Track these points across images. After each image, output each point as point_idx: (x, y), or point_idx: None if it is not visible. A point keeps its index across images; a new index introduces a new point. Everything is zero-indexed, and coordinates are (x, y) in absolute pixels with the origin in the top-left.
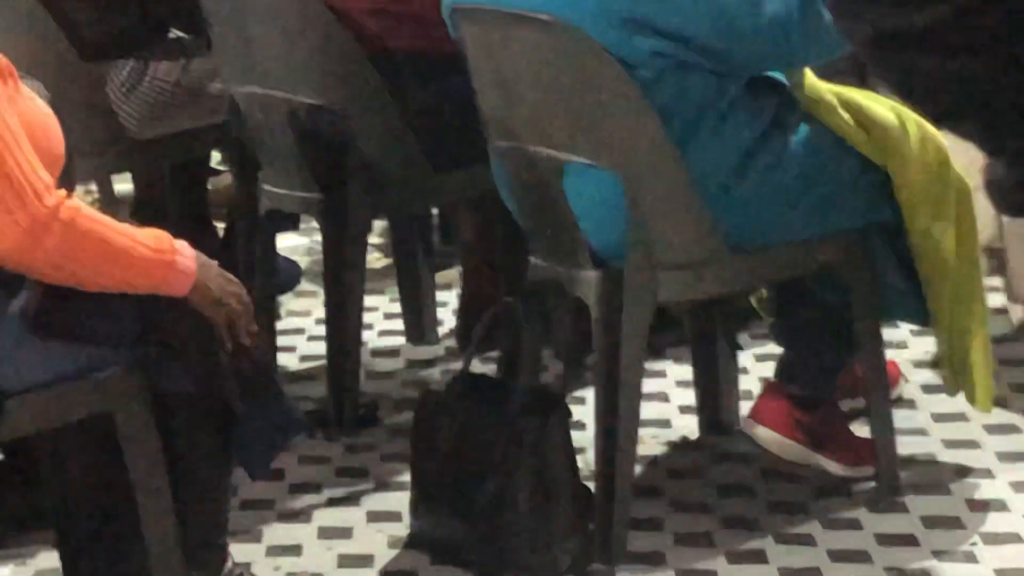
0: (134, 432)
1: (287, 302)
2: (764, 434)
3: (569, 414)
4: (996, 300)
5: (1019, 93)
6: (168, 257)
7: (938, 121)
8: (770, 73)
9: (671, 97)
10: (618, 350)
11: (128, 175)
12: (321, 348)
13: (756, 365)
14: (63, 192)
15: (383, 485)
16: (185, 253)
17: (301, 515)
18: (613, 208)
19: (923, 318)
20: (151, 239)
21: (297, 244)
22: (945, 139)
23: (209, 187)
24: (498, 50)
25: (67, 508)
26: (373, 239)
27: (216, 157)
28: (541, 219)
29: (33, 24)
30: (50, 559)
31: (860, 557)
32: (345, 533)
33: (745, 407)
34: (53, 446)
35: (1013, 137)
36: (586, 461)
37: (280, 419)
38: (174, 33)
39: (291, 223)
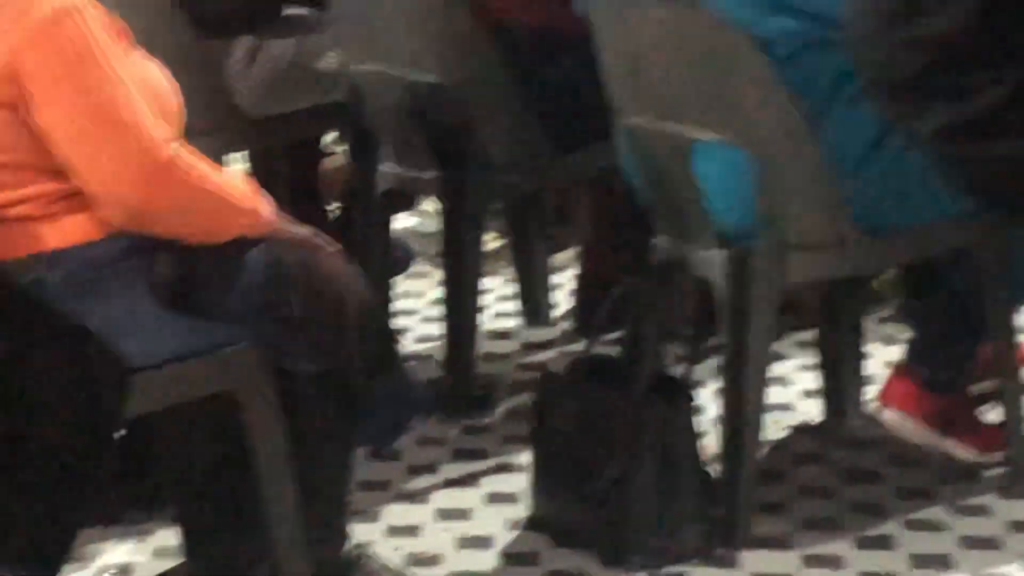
0: (258, 410)
1: (400, 284)
2: (892, 418)
3: (693, 397)
4: None
5: None
6: (255, 206)
7: (1009, 209)
8: None
9: (805, 76)
10: (744, 333)
11: (241, 154)
12: (435, 329)
13: (879, 348)
14: (178, 144)
15: (501, 467)
16: (265, 200)
17: (419, 496)
18: (742, 187)
19: None
20: (245, 190)
21: (410, 225)
22: None
23: (320, 168)
24: (628, 26)
25: (188, 487)
26: (488, 220)
27: (328, 138)
28: (667, 198)
29: (147, 0)
30: (170, 537)
31: (991, 544)
32: (464, 515)
33: (868, 391)
34: (176, 423)
35: None
36: (707, 445)
37: (405, 397)
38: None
39: (406, 204)
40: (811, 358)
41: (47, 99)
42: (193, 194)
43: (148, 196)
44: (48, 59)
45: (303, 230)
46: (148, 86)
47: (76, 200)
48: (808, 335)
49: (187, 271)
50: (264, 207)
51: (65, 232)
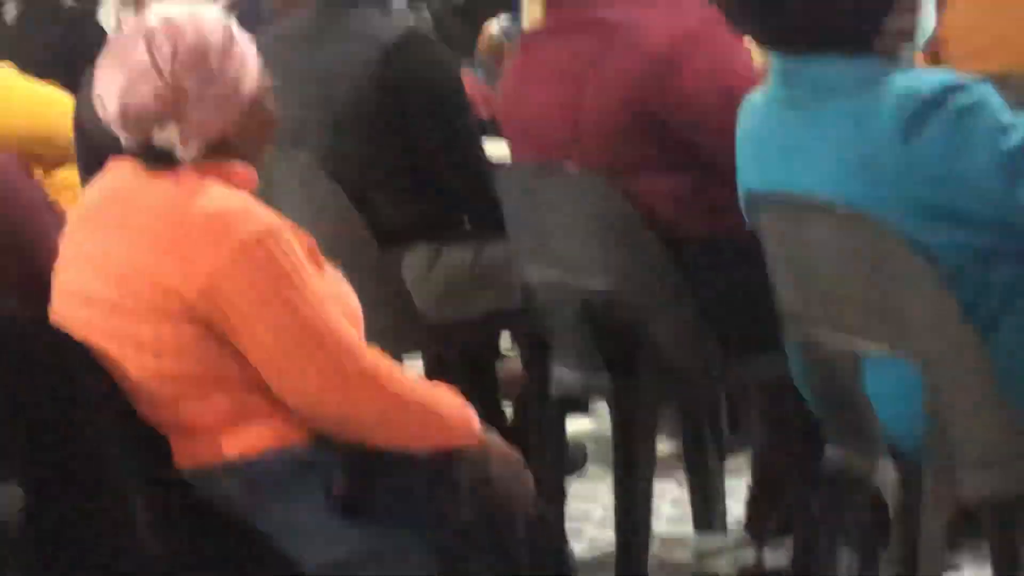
0: None
1: (572, 485)
2: None
3: None
4: None
5: None
6: (468, 421)
7: None
8: None
9: (974, 288)
10: (916, 546)
11: (417, 358)
12: (608, 534)
13: None
14: (381, 355)
15: None
16: (473, 412)
17: None
18: (912, 400)
19: None
20: (456, 402)
21: (584, 428)
22: None
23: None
24: (794, 238)
25: None
26: (661, 424)
27: (503, 340)
28: (837, 408)
29: (332, 209)
30: None
31: None
32: None
33: None
34: None
35: None
36: None
37: None
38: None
39: (580, 406)
40: (986, 569)
41: (250, 318)
42: (397, 405)
43: (354, 407)
44: (252, 281)
45: (494, 439)
46: (340, 299)
47: (257, 411)
48: (984, 544)
49: (364, 480)
50: (475, 421)
51: (245, 442)
